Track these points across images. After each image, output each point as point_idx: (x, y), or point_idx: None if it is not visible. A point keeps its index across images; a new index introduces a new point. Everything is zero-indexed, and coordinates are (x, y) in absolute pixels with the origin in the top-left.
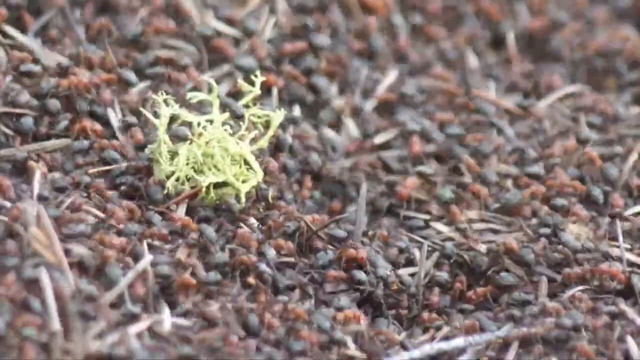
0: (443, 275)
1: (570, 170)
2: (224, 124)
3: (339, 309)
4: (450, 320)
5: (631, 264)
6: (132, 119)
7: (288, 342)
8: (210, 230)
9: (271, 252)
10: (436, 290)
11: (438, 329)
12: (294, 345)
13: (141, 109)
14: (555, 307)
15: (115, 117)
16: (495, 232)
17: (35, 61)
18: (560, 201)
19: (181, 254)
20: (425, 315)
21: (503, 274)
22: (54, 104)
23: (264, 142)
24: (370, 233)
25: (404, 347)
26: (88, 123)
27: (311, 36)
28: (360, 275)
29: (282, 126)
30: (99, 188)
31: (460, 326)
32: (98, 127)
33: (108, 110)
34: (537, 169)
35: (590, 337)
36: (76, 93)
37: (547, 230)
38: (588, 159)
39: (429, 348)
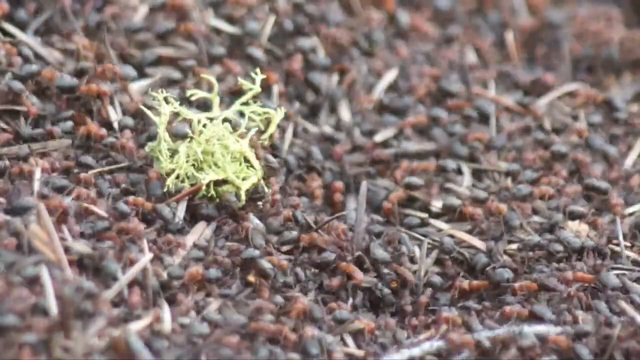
0: (442, 272)
1: (570, 166)
2: (224, 121)
3: (339, 306)
4: (449, 317)
5: (632, 261)
6: (133, 117)
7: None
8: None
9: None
10: (436, 287)
11: (438, 326)
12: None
13: (141, 106)
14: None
15: (115, 115)
16: None
17: (36, 59)
18: (560, 199)
19: (181, 251)
20: (425, 313)
21: (500, 269)
22: (54, 102)
23: (264, 140)
24: (372, 230)
25: (403, 345)
26: (88, 121)
27: (297, 40)
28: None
29: (282, 124)
30: (99, 186)
31: (459, 324)
32: (98, 125)
33: (108, 108)
34: (537, 166)
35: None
36: (76, 91)
37: (546, 228)
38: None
39: (429, 346)
